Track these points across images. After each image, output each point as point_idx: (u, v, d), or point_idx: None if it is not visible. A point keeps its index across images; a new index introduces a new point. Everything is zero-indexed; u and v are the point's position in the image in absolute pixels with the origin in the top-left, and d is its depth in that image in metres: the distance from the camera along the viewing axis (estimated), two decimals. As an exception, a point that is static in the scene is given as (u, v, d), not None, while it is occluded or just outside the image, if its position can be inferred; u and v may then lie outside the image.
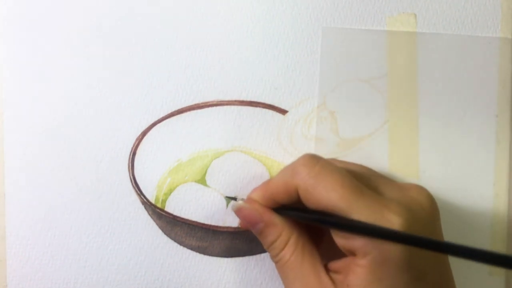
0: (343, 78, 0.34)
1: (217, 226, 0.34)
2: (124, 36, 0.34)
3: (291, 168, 0.29)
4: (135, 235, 0.34)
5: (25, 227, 0.34)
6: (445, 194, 0.34)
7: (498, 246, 0.34)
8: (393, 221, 0.26)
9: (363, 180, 0.29)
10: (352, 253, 0.27)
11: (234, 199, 0.34)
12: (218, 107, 0.34)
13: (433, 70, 0.34)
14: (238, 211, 0.30)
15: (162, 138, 0.34)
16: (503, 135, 0.34)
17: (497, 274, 0.34)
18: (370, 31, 0.34)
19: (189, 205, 0.34)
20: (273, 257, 0.30)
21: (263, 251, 0.35)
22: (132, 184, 0.34)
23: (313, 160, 0.28)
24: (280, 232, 0.29)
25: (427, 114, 0.34)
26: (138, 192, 0.34)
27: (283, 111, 0.35)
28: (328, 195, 0.27)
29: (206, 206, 0.34)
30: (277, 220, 0.29)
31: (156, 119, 0.34)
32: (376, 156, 0.34)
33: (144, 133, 0.34)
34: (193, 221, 0.34)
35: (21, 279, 0.34)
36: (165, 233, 0.35)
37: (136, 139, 0.34)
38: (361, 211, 0.26)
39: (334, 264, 0.28)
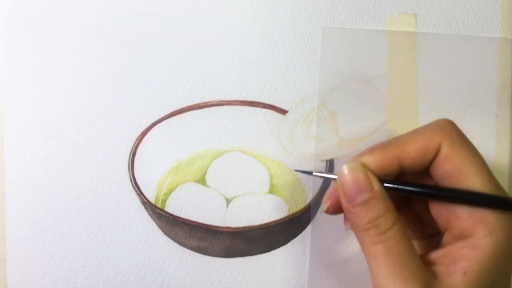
0: (343, 78, 0.34)
1: (217, 226, 0.34)
2: (124, 36, 0.34)
3: (432, 126, 0.27)
4: (135, 235, 0.34)
5: (25, 227, 0.34)
6: (445, 194, 0.34)
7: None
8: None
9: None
10: (468, 234, 0.25)
11: (310, 173, 0.30)
12: (218, 107, 0.34)
13: (433, 70, 0.34)
14: (343, 175, 0.26)
15: (162, 138, 0.34)
16: (503, 135, 0.34)
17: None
18: (370, 31, 0.34)
19: (189, 205, 0.34)
20: (374, 236, 0.25)
21: (263, 251, 0.35)
22: (132, 184, 0.34)
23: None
24: (388, 208, 0.25)
25: (427, 114, 0.34)
26: (138, 192, 0.34)
27: (283, 111, 0.35)
28: (473, 153, 0.26)
29: (206, 206, 0.34)
30: (386, 194, 0.26)
31: (156, 119, 0.34)
32: (376, 156, 0.34)
33: (144, 133, 0.34)
34: (193, 221, 0.34)
35: (21, 279, 0.34)
36: (165, 233, 0.35)
37: (136, 139, 0.34)
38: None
39: (431, 256, 0.26)
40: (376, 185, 0.26)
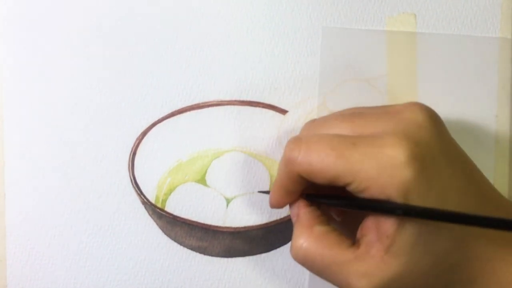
0: (343, 78, 0.34)
1: (217, 226, 0.34)
2: (124, 36, 0.34)
3: (283, 161, 0.28)
4: (135, 235, 0.34)
5: (25, 227, 0.34)
6: (445, 194, 0.34)
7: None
8: (395, 155, 0.25)
9: (352, 128, 0.28)
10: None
11: (267, 192, 0.34)
12: (218, 107, 0.34)
13: (433, 70, 0.34)
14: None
15: (162, 138, 0.34)
16: (502, 135, 0.34)
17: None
18: (370, 31, 0.34)
19: (189, 205, 0.34)
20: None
21: (263, 251, 0.35)
22: (132, 184, 0.34)
23: (297, 142, 0.28)
24: (302, 226, 0.29)
25: (427, 114, 0.34)
26: (138, 192, 0.34)
27: (283, 111, 0.35)
28: (324, 164, 0.26)
29: (206, 206, 0.34)
30: (303, 215, 0.29)
31: (156, 119, 0.34)
32: (376, 156, 0.34)
33: (144, 133, 0.34)
34: (193, 221, 0.34)
35: (21, 279, 0.34)
36: (165, 233, 0.35)
37: (136, 139, 0.34)
38: (360, 160, 0.25)
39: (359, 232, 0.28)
40: (295, 209, 0.30)
